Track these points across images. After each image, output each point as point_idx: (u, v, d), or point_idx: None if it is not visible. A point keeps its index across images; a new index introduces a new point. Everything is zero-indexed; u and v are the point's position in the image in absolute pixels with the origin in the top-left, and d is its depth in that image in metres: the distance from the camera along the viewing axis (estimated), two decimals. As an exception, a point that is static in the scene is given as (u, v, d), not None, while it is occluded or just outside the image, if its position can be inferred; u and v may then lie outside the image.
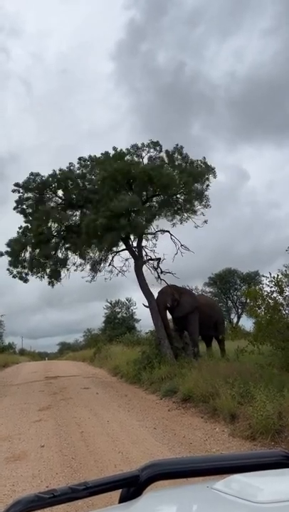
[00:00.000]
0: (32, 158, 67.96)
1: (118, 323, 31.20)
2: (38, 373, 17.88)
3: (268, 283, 9.23)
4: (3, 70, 67.61)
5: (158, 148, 14.26)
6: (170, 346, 12.50)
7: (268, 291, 9.26)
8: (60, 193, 14.12)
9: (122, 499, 0.94)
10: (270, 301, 9.15)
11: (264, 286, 9.77)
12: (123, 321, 31.54)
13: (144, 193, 13.90)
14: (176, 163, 13.99)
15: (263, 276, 11.28)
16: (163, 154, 14.18)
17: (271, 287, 9.14)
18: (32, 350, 52.85)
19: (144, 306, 13.50)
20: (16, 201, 13.91)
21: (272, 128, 67.80)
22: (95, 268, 14.87)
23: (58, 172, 13.88)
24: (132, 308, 32.41)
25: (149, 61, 65.16)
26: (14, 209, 13.95)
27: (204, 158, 14.15)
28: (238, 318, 33.52)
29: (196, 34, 65.30)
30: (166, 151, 14.14)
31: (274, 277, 9.04)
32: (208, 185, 14.07)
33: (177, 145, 14.13)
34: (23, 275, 14.08)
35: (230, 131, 66.35)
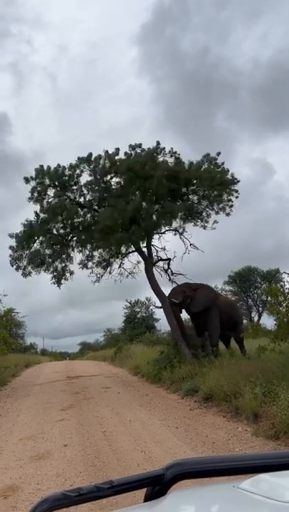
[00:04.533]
0: (55, 156, 68.38)
1: (138, 323, 31.31)
2: (60, 373, 18.07)
3: (289, 280, 9.10)
4: (28, 62, 67.62)
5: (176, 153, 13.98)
6: (187, 345, 12.43)
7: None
8: (84, 190, 13.91)
9: (147, 498, 0.94)
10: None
11: (285, 283, 9.65)
12: (143, 320, 31.63)
13: (184, 189, 13.63)
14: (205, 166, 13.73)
15: (285, 273, 11.13)
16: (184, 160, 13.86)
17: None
18: (53, 350, 53.51)
19: (156, 307, 13.56)
20: (33, 190, 13.62)
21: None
22: (104, 266, 14.72)
23: (81, 165, 13.67)
24: (151, 307, 32.43)
25: (172, 46, 63.46)
26: (30, 199, 13.74)
27: (225, 165, 13.87)
28: (259, 316, 33.22)
29: (223, 17, 63.34)
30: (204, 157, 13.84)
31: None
32: (237, 196, 13.75)
33: (208, 154, 13.87)
34: (32, 269, 14.07)
35: (255, 122, 64.77)
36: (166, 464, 0.95)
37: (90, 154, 13.81)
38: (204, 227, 14.09)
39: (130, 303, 32.32)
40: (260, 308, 33.64)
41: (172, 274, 14.33)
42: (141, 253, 14.19)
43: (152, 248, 14.26)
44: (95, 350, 40.95)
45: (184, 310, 13.15)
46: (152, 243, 14.24)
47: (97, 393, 11.30)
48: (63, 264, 14.40)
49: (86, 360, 31.91)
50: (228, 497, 0.92)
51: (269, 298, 12.63)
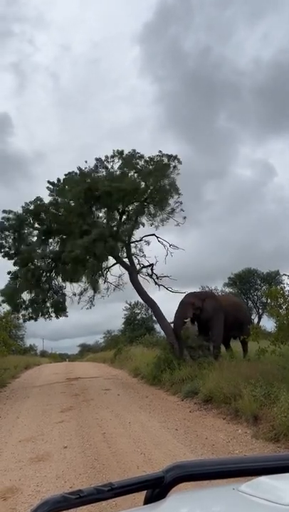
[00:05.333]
0: (57, 156, 68.14)
1: (138, 325, 31.27)
2: (59, 375, 18.05)
3: (289, 282, 9.09)
4: (31, 62, 67.35)
5: (123, 156, 14.13)
6: (184, 347, 12.42)
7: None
8: (36, 225, 13.94)
9: (147, 500, 0.94)
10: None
11: (285, 285, 9.64)
12: (143, 322, 31.59)
13: (120, 205, 13.87)
14: (139, 166, 13.94)
15: (285, 275, 11.12)
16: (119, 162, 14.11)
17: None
18: (53, 351, 53.43)
19: (153, 314, 13.59)
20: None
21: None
22: (93, 289, 14.54)
23: (30, 206, 13.75)
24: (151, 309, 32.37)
25: (174, 45, 63.39)
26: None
27: (160, 151, 14.11)
28: (259, 318, 33.17)
29: (225, 16, 63.20)
30: (123, 158, 14.04)
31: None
32: (178, 173, 13.97)
33: (134, 150, 14.16)
34: (32, 316, 14.12)
35: (256, 122, 64.70)
36: (166, 467, 0.95)
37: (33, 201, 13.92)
38: (178, 225, 14.25)
39: (130, 304, 32.31)
40: (260, 311, 33.64)
41: (157, 278, 14.49)
42: (123, 264, 14.28)
43: (134, 257, 14.43)
44: (94, 351, 40.94)
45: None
46: (134, 252, 14.44)
47: (96, 395, 11.29)
48: (59, 299, 14.44)
49: (86, 362, 31.88)
50: (228, 499, 0.92)
51: (269, 300, 12.62)
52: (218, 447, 5.84)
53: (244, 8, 60.90)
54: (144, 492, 0.95)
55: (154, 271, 14.47)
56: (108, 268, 14.72)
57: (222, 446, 5.90)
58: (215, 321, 12.57)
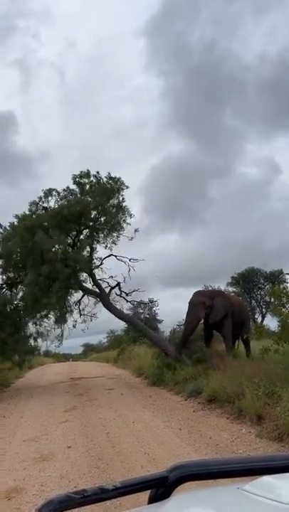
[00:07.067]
0: (61, 155, 67.83)
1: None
2: (63, 374, 18.08)
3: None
4: (36, 57, 66.87)
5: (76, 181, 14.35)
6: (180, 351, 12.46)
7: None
8: None
9: (151, 500, 0.94)
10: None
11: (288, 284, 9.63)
12: (146, 321, 31.54)
13: (75, 230, 14.07)
14: (86, 188, 14.21)
15: (288, 274, 11.10)
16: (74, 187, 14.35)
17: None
18: (56, 351, 53.42)
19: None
20: None
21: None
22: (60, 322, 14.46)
23: None
24: (154, 308, 32.38)
25: (179, 39, 62.48)
26: None
27: (109, 173, 14.49)
28: (263, 317, 33.09)
29: (232, 10, 62.41)
30: (74, 179, 14.28)
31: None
32: (123, 198, 14.46)
33: (87, 170, 14.43)
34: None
35: (262, 119, 63.69)
36: (170, 466, 0.95)
37: None
38: (131, 239, 14.59)
39: (133, 304, 32.27)
40: (263, 310, 33.55)
41: (127, 294, 14.85)
42: (92, 293, 14.47)
43: (100, 282, 14.59)
44: (98, 351, 40.93)
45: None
46: (100, 278, 14.60)
47: (100, 395, 11.30)
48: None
49: (89, 362, 31.93)
50: (232, 499, 0.92)
51: (272, 299, 12.59)
52: (222, 447, 5.83)
53: (249, 3, 60.36)
54: (148, 492, 0.96)
55: (122, 289, 14.87)
56: (79, 301, 14.79)
57: (226, 445, 5.90)
58: (225, 319, 12.45)
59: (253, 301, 34.00)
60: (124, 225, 14.50)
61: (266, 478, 0.91)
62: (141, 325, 14.28)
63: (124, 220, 14.47)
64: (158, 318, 31.89)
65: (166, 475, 0.93)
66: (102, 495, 0.86)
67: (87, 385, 13.66)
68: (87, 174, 14.31)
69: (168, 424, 7.38)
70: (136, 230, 14.60)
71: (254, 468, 0.99)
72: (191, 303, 12.59)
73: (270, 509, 0.78)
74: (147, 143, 66.64)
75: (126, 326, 33.07)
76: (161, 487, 0.93)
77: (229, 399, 7.74)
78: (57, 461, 5.57)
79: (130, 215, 14.48)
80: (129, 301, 14.86)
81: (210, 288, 15.77)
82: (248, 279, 33.70)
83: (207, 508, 0.95)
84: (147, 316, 32.71)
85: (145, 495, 0.97)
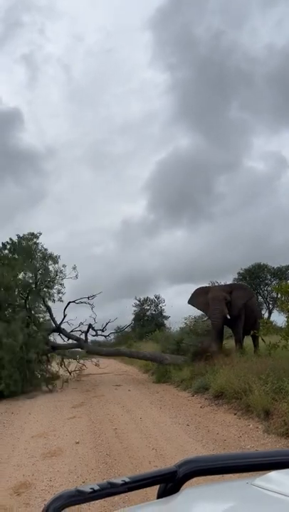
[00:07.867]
0: (68, 152, 67.60)
1: (147, 321, 31.31)
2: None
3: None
4: (42, 53, 66.52)
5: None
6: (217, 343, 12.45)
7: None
8: None
9: (160, 495, 0.94)
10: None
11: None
12: (152, 318, 31.63)
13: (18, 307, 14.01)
14: (9, 255, 14.41)
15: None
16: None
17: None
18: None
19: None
20: None
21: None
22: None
23: None
24: (160, 305, 32.42)
25: (186, 31, 62.00)
26: None
27: (29, 233, 15.02)
28: (269, 313, 32.99)
29: (239, 1, 61.50)
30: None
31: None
32: (42, 248, 15.15)
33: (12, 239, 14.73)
34: None
35: (270, 112, 62.88)
36: (179, 461, 0.95)
37: None
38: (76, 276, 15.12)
39: (139, 300, 32.36)
40: (270, 306, 33.45)
41: (103, 330, 15.36)
42: (71, 347, 14.73)
43: (73, 334, 14.79)
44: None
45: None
46: (71, 329, 14.81)
47: (107, 391, 11.35)
48: None
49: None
50: (241, 493, 0.92)
51: (279, 295, 12.53)
52: (230, 442, 5.83)
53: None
54: (157, 487, 0.96)
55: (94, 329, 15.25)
56: (62, 362, 14.53)
57: (233, 441, 5.90)
58: (239, 316, 12.51)
59: (260, 297, 33.90)
60: (63, 269, 15.14)
61: (276, 473, 0.91)
62: (128, 351, 15.23)
63: (59, 269, 15.09)
64: (164, 314, 32.05)
65: (176, 470, 0.92)
66: (111, 489, 0.86)
67: (95, 382, 13.73)
68: (4, 246, 14.66)
69: (175, 420, 7.40)
70: (73, 268, 15.17)
71: (263, 463, 0.99)
72: (212, 298, 12.47)
73: (281, 503, 0.78)
74: (154, 138, 66.21)
75: (132, 322, 33.29)
76: (170, 482, 0.93)
77: (236, 395, 7.74)
78: (65, 457, 5.61)
79: (55, 260, 15.09)
80: (106, 336, 16.01)
81: (216, 284, 15.75)
82: (254, 275, 33.61)
83: (216, 503, 0.95)
84: (154, 312, 32.85)
85: (153, 490, 0.97)
